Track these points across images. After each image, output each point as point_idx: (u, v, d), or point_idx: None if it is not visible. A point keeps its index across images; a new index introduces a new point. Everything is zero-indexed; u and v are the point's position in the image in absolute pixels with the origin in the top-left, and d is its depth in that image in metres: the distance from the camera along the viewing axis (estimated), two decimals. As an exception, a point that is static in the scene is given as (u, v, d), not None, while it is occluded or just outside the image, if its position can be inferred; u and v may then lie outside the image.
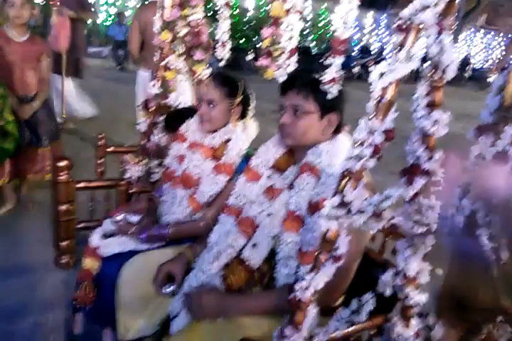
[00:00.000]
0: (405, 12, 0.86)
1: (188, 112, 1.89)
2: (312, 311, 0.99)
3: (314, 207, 1.23)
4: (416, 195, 0.97)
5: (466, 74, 17.02)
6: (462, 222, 0.83)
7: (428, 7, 0.83)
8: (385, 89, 0.92)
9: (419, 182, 0.96)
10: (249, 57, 10.90)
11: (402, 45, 0.89)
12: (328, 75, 1.10)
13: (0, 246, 2.52)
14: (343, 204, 1.00)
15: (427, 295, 0.94)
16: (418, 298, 0.95)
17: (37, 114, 2.89)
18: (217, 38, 1.98)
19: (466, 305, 0.83)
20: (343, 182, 0.99)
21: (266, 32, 1.43)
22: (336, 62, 1.06)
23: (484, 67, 20.23)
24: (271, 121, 1.49)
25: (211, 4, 2.22)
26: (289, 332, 0.99)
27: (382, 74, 0.92)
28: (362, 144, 0.99)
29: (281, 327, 1.01)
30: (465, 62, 17.18)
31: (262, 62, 1.51)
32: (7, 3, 2.66)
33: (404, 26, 0.86)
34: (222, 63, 1.98)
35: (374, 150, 0.98)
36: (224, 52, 1.99)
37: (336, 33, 0.99)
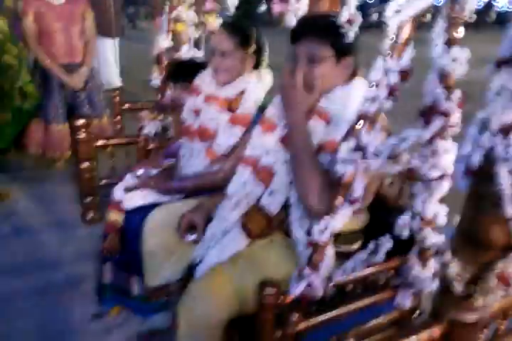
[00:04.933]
0: None
1: (192, 64, 1.87)
2: (330, 252, 1.02)
3: (320, 148, 1.23)
4: (433, 137, 0.96)
5: (490, 18, 16.05)
6: (478, 160, 0.82)
7: None
8: (400, 28, 0.89)
9: (437, 123, 0.94)
10: (262, 8, 10.40)
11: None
12: (344, 16, 1.06)
13: (30, 206, 2.63)
14: (358, 148, 1.00)
15: (444, 236, 0.95)
16: (435, 239, 0.97)
17: (89, 83, 2.83)
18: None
19: (480, 244, 0.84)
20: (359, 124, 0.98)
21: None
22: (351, 1, 1.01)
23: (509, 10, 18.99)
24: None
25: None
26: (308, 272, 1.02)
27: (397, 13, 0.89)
28: (377, 85, 0.97)
29: (299, 268, 1.05)
30: (489, 6, 16.21)
31: (277, 7, 1.46)
32: None
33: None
34: (232, 11, 1.91)
35: (389, 91, 0.97)
36: (233, 1, 1.92)
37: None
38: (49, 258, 2.18)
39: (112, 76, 4.46)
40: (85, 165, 2.28)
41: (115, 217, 1.72)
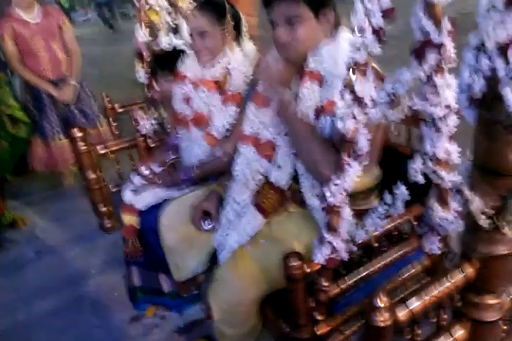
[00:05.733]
0: None
1: (173, 52, 1.82)
2: (346, 213, 0.98)
3: (319, 111, 1.18)
4: (430, 73, 0.91)
5: None
6: (481, 86, 0.77)
7: None
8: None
9: (432, 57, 0.89)
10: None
11: None
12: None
13: (49, 226, 2.64)
14: (356, 100, 0.95)
15: (460, 174, 0.90)
16: (452, 179, 0.92)
17: (80, 94, 2.84)
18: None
19: (497, 173, 0.79)
20: (352, 75, 0.93)
21: None
22: None
23: None
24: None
25: None
26: (328, 237, 0.99)
27: None
28: (362, 31, 0.92)
29: (320, 235, 1.01)
30: None
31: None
32: None
33: None
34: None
35: (376, 34, 0.91)
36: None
37: None
38: (77, 273, 2.18)
39: None
40: (92, 176, 2.27)
41: (130, 219, 1.70)
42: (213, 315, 1.29)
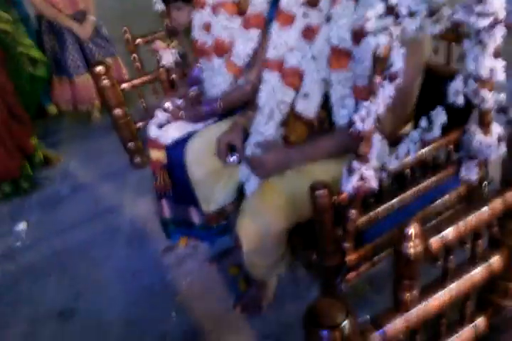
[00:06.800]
0: None
1: None
2: (377, 139, 0.92)
3: (359, 34, 1.06)
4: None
5: None
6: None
7: None
8: None
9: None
10: None
11: None
12: None
13: (80, 164, 2.69)
14: (389, 10, 0.84)
15: (505, 93, 0.81)
16: (495, 99, 0.83)
17: (98, 27, 2.80)
18: None
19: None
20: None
21: None
22: None
23: None
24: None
25: None
26: (357, 165, 0.94)
27: None
28: None
29: (349, 163, 0.96)
30: None
31: None
32: None
33: None
34: None
35: None
36: None
37: None
38: (111, 207, 2.25)
39: None
40: (117, 111, 2.23)
41: (156, 154, 1.69)
42: (242, 246, 1.30)
